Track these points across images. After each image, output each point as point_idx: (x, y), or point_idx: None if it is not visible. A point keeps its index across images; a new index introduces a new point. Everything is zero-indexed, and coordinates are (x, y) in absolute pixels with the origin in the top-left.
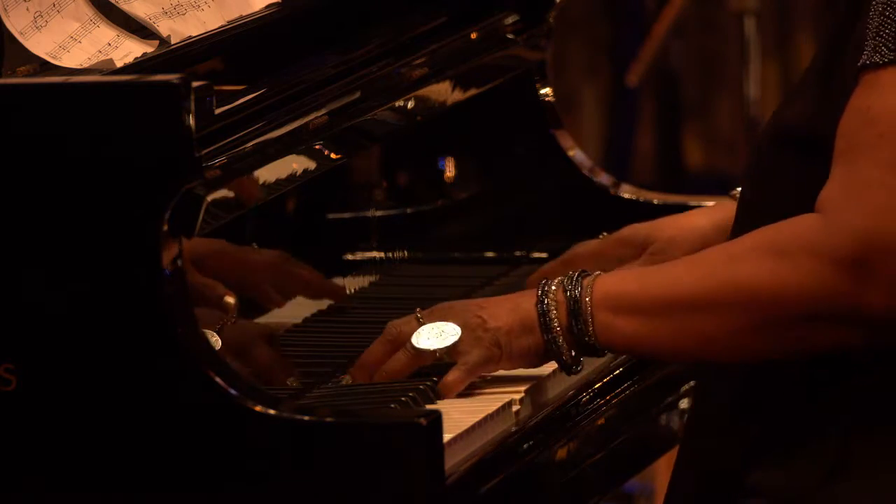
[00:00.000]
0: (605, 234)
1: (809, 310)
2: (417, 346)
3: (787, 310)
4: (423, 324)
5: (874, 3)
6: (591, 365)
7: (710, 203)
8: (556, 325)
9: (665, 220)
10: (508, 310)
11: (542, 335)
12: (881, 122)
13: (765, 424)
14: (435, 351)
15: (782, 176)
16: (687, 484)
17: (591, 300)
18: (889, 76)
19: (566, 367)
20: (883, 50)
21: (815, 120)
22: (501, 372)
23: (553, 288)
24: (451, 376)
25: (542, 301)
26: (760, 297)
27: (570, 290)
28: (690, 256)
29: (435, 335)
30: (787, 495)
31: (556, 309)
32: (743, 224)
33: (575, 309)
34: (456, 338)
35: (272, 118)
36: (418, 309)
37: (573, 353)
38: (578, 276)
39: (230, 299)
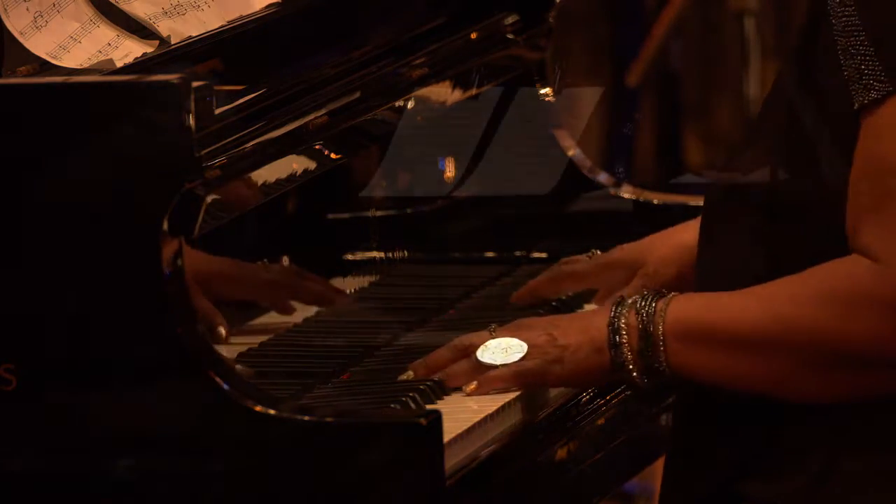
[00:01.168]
0: (594, 251)
1: (871, 357)
2: (481, 359)
3: (850, 357)
4: (494, 338)
5: (840, 50)
6: None
7: None
8: (626, 347)
9: (652, 239)
10: (579, 329)
11: (612, 356)
12: (888, 172)
13: (753, 436)
14: (498, 366)
15: (741, 231)
16: (677, 497)
17: (663, 326)
18: (888, 111)
19: (636, 388)
20: (875, 85)
21: (781, 177)
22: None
23: (625, 310)
24: (496, 372)
25: (614, 322)
26: (825, 343)
27: (643, 313)
28: (758, 291)
29: (501, 350)
30: None
31: (627, 331)
32: (705, 256)
33: (647, 333)
34: (520, 355)
35: (272, 118)
36: (493, 324)
37: (643, 376)
38: (652, 298)
39: (223, 330)
